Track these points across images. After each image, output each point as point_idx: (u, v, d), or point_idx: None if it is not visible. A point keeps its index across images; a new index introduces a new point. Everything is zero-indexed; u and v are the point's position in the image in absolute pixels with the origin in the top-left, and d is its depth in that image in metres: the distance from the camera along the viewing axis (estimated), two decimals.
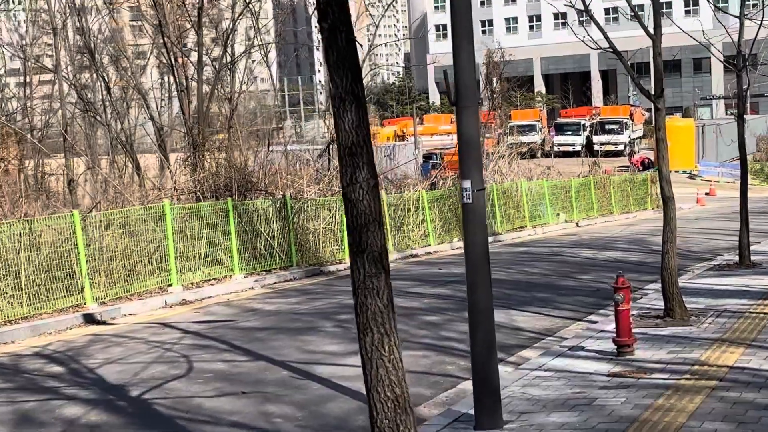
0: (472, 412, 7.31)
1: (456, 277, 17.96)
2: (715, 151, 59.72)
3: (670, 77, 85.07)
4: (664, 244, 11.29)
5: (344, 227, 22.54)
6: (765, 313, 11.24)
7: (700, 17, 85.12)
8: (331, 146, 31.46)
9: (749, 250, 16.56)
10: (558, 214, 32.08)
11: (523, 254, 22.21)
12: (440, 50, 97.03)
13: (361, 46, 4.64)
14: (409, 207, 24.57)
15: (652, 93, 11.06)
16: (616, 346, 9.35)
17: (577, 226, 31.86)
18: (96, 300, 15.15)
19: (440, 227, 25.66)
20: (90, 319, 14.38)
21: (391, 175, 32.31)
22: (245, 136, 29.09)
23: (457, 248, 25.02)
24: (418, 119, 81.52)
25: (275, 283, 18.47)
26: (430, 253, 23.95)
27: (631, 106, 74.25)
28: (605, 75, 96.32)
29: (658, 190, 41.29)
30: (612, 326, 10.96)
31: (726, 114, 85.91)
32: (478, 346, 6.95)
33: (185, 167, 21.67)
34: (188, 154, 22.08)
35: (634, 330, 9.53)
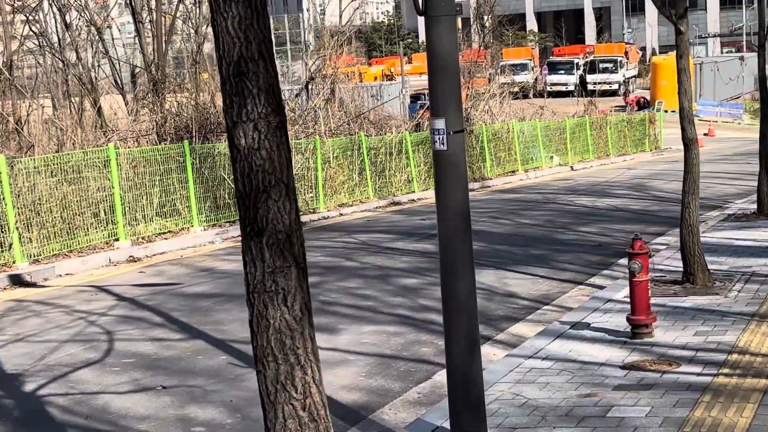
0: (448, 425, 5.50)
1: None
2: (713, 89, 57.64)
3: None
4: (685, 196, 9.43)
5: (319, 172, 20.70)
6: None
7: None
8: (310, 85, 29.36)
9: None
10: (552, 157, 30.16)
11: (514, 202, 20.35)
12: None
13: None
14: (391, 150, 22.63)
15: (673, 12, 9.09)
16: (630, 326, 7.54)
17: (572, 169, 29.97)
18: (28, 258, 13.26)
19: (425, 172, 23.72)
20: (18, 280, 12.51)
21: (373, 115, 30.20)
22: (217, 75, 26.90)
23: None
24: (406, 58, 79.07)
25: (239, 235, 16.56)
26: (414, 200, 22.07)
27: (626, 44, 71.83)
28: (599, 13, 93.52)
29: (657, 131, 39.20)
30: (621, 294, 9.19)
31: (722, 52, 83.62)
32: (456, 348, 5.10)
33: (143, 107, 19.65)
34: (146, 92, 20.00)
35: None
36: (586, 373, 6.63)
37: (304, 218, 18.61)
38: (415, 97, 46.45)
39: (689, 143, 9.34)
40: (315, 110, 23.61)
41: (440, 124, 5.06)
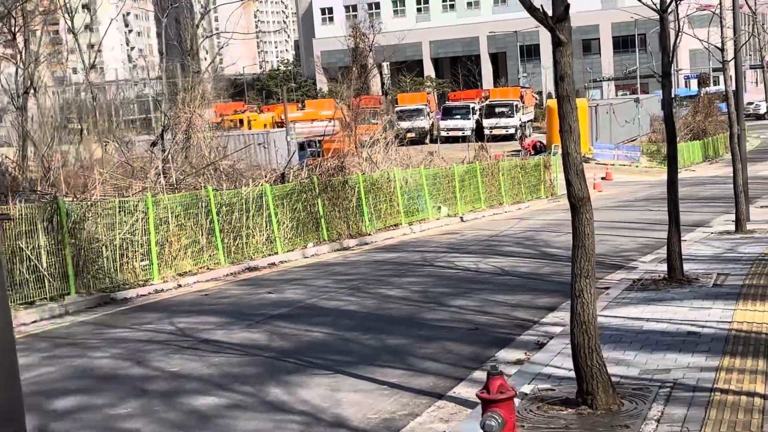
0: None
1: (288, 306, 12.95)
2: (609, 132, 56.39)
3: None
4: (576, 280, 6.49)
5: (152, 235, 17.33)
6: (747, 393, 6.58)
7: None
8: (165, 133, 26.05)
9: (681, 260, 12.05)
10: (439, 208, 27.40)
11: (387, 264, 17.31)
12: (326, 34, 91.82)
13: None
14: (249, 207, 19.41)
15: (550, 15, 6.21)
16: None
17: (462, 221, 27.27)
18: None
19: (291, 230, 20.59)
20: None
21: (241, 165, 26.90)
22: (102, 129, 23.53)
23: (312, 255, 20.03)
24: (300, 104, 76.37)
25: (33, 322, 13.11)
26: (274, 263, 18.84)
27: (522, 88, 70.62)
28: (495, 59, 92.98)
29: (552, 177, 36.85)
30: None
31: (617, 95, 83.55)
32: None
33: None
34: None
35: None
36: None
37: (130, 293, 15.18)
38: (303, 145, 43.53)
39: (578, 203, 6.42)
40: (155, 161, 20.29)
41: None
